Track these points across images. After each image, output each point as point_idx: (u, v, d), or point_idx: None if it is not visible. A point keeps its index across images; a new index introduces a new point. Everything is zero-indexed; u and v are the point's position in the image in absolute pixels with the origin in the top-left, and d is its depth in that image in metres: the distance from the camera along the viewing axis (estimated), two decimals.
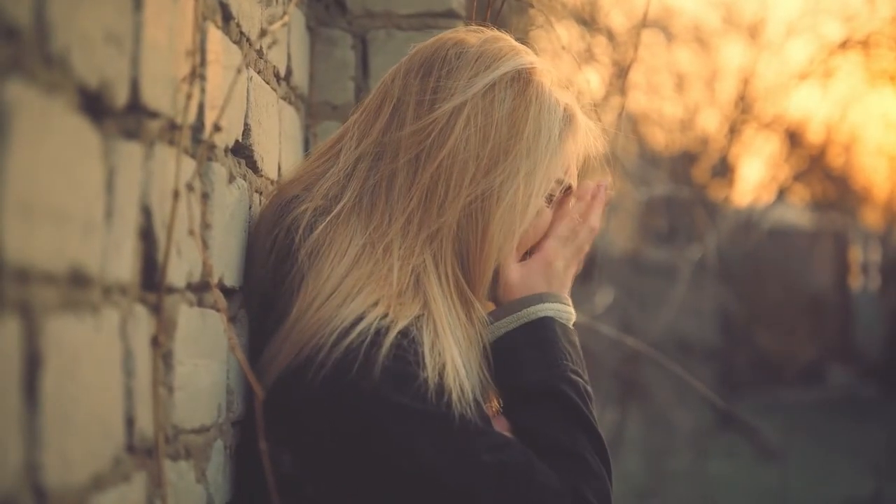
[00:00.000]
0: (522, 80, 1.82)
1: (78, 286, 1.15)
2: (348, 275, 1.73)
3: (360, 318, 1.68)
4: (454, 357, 1.72)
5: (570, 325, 1.90)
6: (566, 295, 1.91)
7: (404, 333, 1.69)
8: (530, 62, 1.83)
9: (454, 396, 1.68)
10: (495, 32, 1.88)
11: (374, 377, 1.65)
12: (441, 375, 1.69)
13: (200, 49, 1.56)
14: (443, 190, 1.78)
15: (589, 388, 1.84)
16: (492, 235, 1.79)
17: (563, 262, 1.89)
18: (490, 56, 1.82)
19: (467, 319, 1.79)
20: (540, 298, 1.85)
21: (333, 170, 1.84)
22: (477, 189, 1.78)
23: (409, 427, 1.67)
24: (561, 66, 2.00)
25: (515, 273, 1.87)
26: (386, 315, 1.70)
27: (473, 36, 1.86)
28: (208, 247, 1.62)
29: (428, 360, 1.69)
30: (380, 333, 1.67)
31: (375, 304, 1.70)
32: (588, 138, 1.91)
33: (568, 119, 1.85)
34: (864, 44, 11.08)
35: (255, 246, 1.83)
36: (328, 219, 1.78)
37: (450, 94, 1.79)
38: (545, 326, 1.84)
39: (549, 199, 1.88)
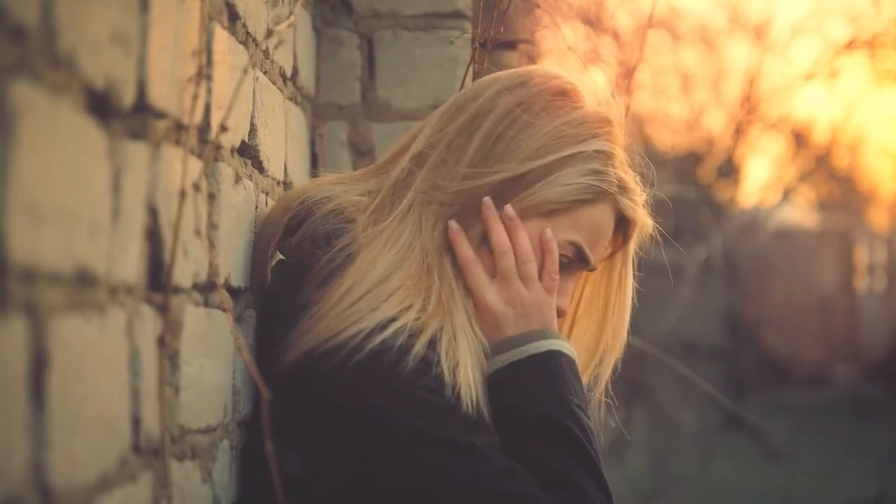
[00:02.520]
0: (599, 160, 1.86)
1: (84, 286, 1.15)
2: (394, 273, 1.76)
3: (393, 319, 1.71)
4: (475, 381, 1.75)
5: (574, 359, 1.87)
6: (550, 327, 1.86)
7: (430, 345, 1.72)
8: (611, 147, 1.87)
9: (469, 423, 1.71)
10: (595, 111, 1.89)
11: (405, 377, 1.68)
12: (459, 399, 1.71)
13: (207, 49, 1.56)
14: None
15: (591, 425, 1.83)
16: None
17: (499, 305, 1.83)
18: (564, 139, 1.85)
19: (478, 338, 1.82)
20: (543, 334, 1.83)
21: (397, 168, 1.87)
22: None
23: (416, 445, 1.69)
24: (567, 67, 1.99)
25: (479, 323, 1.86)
26: (418, 319, 1.73)
27: (577, 103, 1.89)
28: (214, 247, 1.62)
29: (447, 378, 1.71)
30: (413, 335, 1.71)
31: (409, 307, 1.74)
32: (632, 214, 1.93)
33: (595, 180, 1.86)
34: (870, 44, 11.06)
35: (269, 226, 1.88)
36: (393, 214, 1.82)
37: (509, 156, 1.83)
38: (552, 359, 1.82)
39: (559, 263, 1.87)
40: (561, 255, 1.86)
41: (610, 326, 1.99)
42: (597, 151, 1.85)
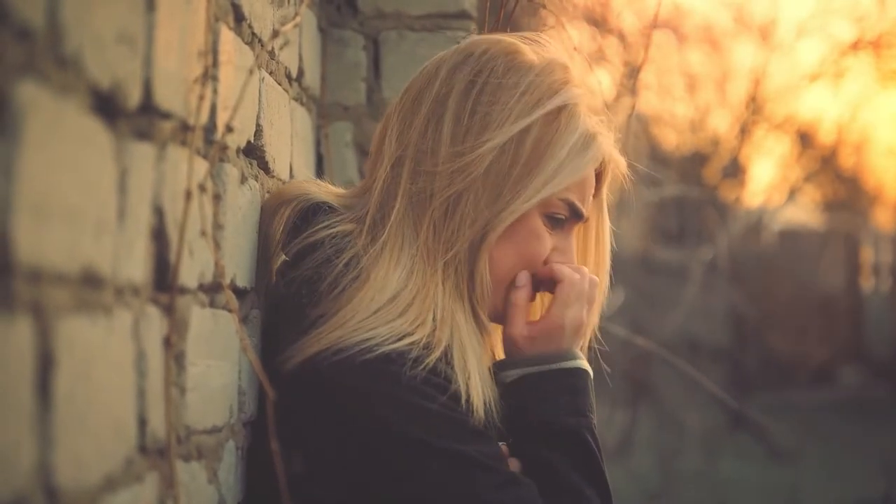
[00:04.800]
0: (562, 116, 1.84)
1: (90, 287, 1.15)
2: (403, 290, 1.76)
3: (408, 334, 1.72)
4: (485, 390, 1.76)
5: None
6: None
7: (442, 358, 1.72)
8: (574, 96, 1.85)
9: (471, 433, 1.72)
10: (552, 58, 1.88)
11: (409, 385, 1.68)
12: (470, 409, 1.72)
13: (213, 50, 1.56)
14: (471, 209, 1.81)
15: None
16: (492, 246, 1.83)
17: (570, 324, 1.86)
18: (542, 90, 1.84)
19: (483, 343, 1.83)
20: (574, 354, 1.87)
21: (378, 174, 1.86)
22: (493, 210, 1.81)
23: (414, 454, 1.69)
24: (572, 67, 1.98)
25: (523, 331, 1.86)
26: (432, 334, 1.74)
27: (531, 55, 1.87)
28: (220, 248, 1.62)
29: (461, 390, 1.72)
30: (427, 349, 1.71)
31: (423, 323, 1.74)
32: (613, 169, 1.94)
33: (591, 147, 1.86)
34: (875, 44, 11.06)
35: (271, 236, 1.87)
36: (388, 225, 1.81)
37: (494, 122, 1.81)
38: (581, 376, 1.86)
39: (553, 220, 1.87)
40: (556, 214, 1.86)
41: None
42: (574, 102, 1.84)
